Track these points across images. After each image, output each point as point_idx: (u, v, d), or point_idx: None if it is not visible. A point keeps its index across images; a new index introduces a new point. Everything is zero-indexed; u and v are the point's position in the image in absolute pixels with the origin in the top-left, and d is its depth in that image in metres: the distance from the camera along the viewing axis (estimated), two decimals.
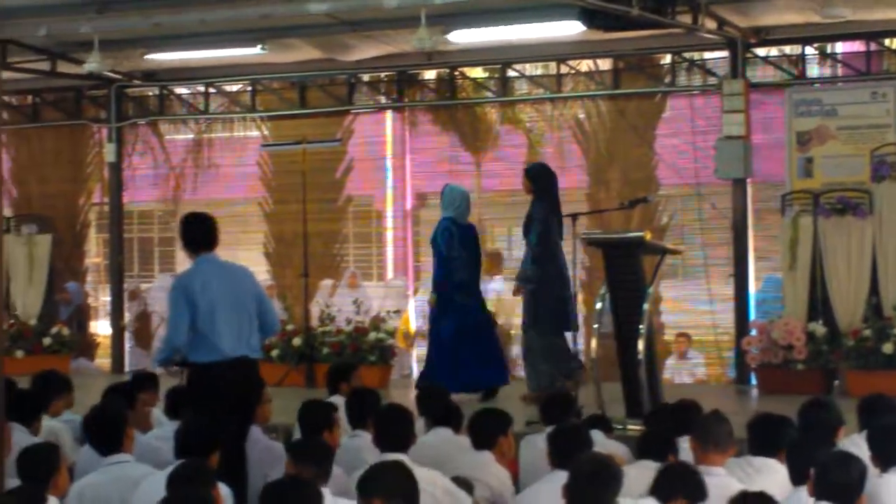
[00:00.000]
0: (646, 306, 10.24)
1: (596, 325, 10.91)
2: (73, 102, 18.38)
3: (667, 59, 15.74)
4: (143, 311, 18.35)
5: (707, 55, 15.48)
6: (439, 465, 7.23)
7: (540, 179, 12.71)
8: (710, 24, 13.84)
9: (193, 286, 8.49)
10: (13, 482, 6.61)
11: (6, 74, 15.54)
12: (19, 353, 15.70)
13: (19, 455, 6.82)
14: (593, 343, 11.03)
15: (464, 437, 8.32)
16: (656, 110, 15.92)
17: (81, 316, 18.30)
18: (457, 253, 12.93)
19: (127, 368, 17.27)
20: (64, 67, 16.26)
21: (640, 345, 10.20)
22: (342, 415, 8.64)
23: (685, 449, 7.43)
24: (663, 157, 15.81)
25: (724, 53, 14.94)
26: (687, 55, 15.55)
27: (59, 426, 9.01)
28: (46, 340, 16.33)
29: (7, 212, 16.73)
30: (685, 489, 6.26)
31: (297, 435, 8.39)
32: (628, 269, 10.45)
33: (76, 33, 14.59)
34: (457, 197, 13.17)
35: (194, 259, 8.65)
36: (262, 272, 14.53)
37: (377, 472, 5.63)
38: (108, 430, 7.53)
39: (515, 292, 12.94)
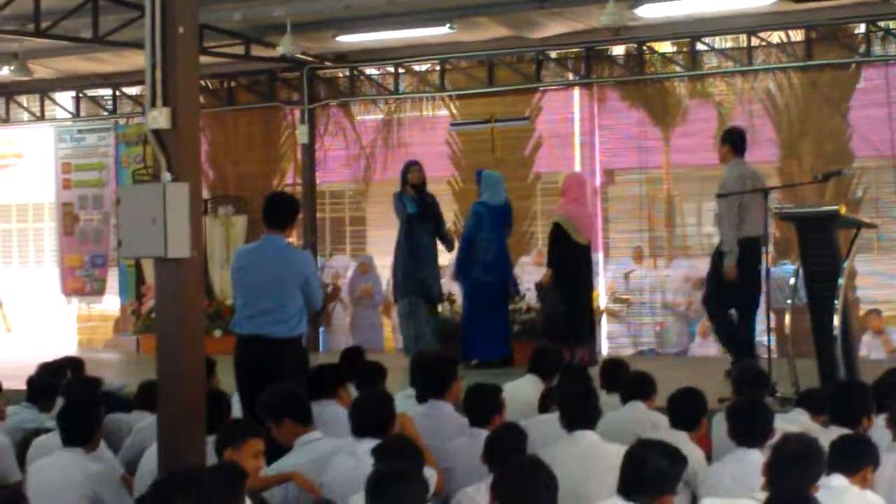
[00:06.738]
0: (841, 281, 10.03)
1: (790, 301, 10.75)
2: (266, 85, 18.73)
3: (861, 28, 15.41)
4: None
5: None
6: (628, 441, 7.20)
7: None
8: None
9: None
10: None
11: (202, 59, 15.91)
12: (217, 333, 15.98)
13: None
14: (787, 318, 10.86)
15: (655, 413, 8.28)
16: (850, 81, 15.61)
17: None
18: (486, 234, 13.65)
19: (321, 349, 17.55)
20: (257, 51, 16.56)
21: (836, 320, 10.01)
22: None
23: (880, 427, 7.31)
24: (858, 129, 15.48)
25: None
26: (882, 24, 15.19)
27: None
28: None
29: (204, 193, 17.10)
30: (867, 458, 6.14)
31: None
32: (822, 244, 10.25)
33: (269, 17, 14.93)
34: (489, 182, 13.90)
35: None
36: None
37: None
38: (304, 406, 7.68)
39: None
